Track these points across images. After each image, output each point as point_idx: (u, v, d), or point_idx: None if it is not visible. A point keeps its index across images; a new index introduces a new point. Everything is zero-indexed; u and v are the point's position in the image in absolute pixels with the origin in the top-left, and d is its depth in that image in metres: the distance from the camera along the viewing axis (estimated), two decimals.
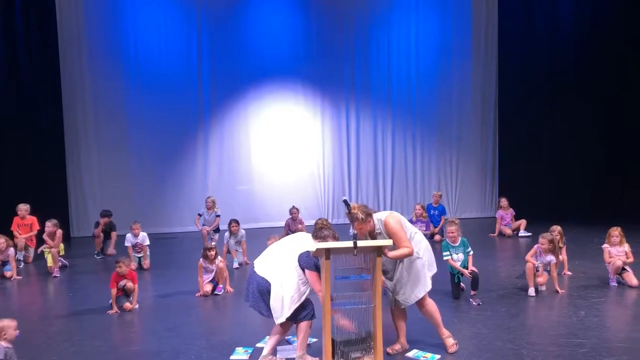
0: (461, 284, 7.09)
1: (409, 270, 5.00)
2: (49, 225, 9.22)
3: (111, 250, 10.12)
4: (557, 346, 5.27)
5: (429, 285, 5.08)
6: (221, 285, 7.54)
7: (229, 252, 9.15)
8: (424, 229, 10.82)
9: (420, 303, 5.10)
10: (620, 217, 9.71)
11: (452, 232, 7.06)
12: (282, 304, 4.79)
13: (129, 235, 9.20)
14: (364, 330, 4.77)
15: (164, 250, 10.60)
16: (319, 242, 4.78)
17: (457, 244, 7.04)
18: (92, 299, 7.34)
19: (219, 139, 13.18)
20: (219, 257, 7.66)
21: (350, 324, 4.79)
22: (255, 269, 4.99)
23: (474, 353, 5.17)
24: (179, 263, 9.48)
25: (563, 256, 7.96)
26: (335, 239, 4.94)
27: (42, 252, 9.36)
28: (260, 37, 13.11)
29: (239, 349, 5.37)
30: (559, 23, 13.78)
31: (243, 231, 9.29)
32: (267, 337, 5.19)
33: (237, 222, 9.25)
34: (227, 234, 9.23)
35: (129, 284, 6.90)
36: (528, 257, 7.22)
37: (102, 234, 10.22)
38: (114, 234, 10.25)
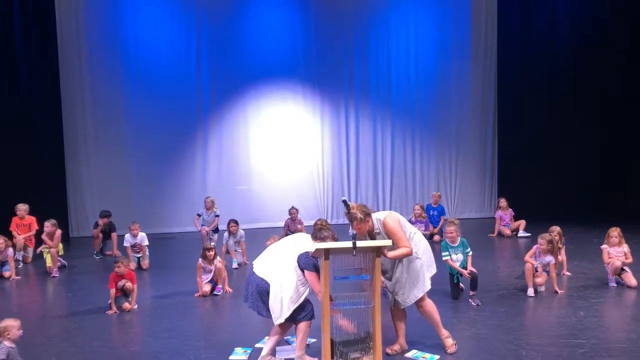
0: (460, 284, 7.10)
1: (408, 271, 5.00)
2: (48, 225, 9.20)
3: (115, 251, 9.97)
4: (556, 346, 5.28)
5: (427, 286, 5.08)
6: (220, 286, 7.53)
7: (228, 252, 9.15)
8: (423, 229, 10.82)
9: (419, 303, 5.10)
10: (620, 217, 9.70)
11: (451, 233, 7.06)
12: (281, 305, 4.78)
13: (127, 236, 9.19)
14: (363, 330, 4.77)
15: (163, 250, 10.60)
16: (318, 242, 4.77)
17: (456, 245, 7.05)
18: (91, 299, 7.33)
19: (218, 139, 13.18)
20: (218, 258, 7.66)
21: (349, 325, 4.79)
22: (254, 270, 4.99)
23: (473, 353, 5.17)
24: (178, 263, 9.47)
25: (562, 256, 7.97)
26: (335, 239, 4.94)
27: (41, 252, 9.34)
28: (260, 38, 13.10)
29: (238, 349, 5.37)
30: (558, 23, 13.81)
31: (242, 231, 9.28)
32: (266, 337, 5.19)
33: (236, 222, 9.24)
34: (226, 234, 9.22)
35: (128, 284, 6.89)
36: (527, 257, 7.22)
37: (101, 235, 10.20)
38: (114, 235, 10.18)
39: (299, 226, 10.64)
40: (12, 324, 4.75)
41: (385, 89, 13.78)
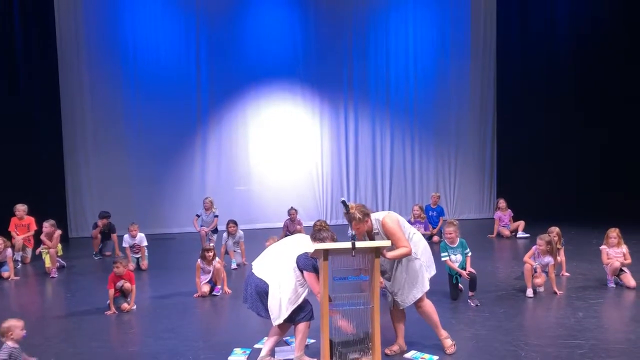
0: (459, 285, 7.09)
1: (407, 271, 4.99)
2: (47, 225, 9.20)
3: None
4: (555, 347, 5.28)
5: (426, 286, 5.07)
6: (219, 286, 7.53)
7: (227, 253, 9.14)
8: (422, 230, 10.81)
9: (418, 304, 5.10)
10: (619, 217, 9.71)
11: (451, 233, 7.06)
12: (280, 305, 4.78)
13: (126, 237, 9.19)
14: (362, 331, 4.76)
15: (162, 251, 10.60)
16: (318, 243, 4.77)
17: (455, 245, 7.04)
18: (90, 300, 7.33)
19: (217, 139, 13.17)
20: (217, 258, 7.65)
21: (348, 325, 4.79)
22: (253, 270, 4.99)
23: (472, 354, 5.17)
24: (177, 264, 9.46)
25: (561, 257, 7.98)
26: (334, 240, 4.95)
27: (40, 252, 9.33)
28: (259, 39, 13.10)
29: (237, 350, 5.36)
30: (557, 23, 13.83)
31: (241, 232, 9.27)
32: (265, 338, 5.19)
33: (235, 223, 9.24)
34: (225, 234, 9.22)
35: (127, 285, 6.89)
36: (526, 258, 7.22)
37: (99, 235, 10.19)
38: (114, 236, 10.16)
39: (298, 227, 10.64)
40: (16, 324, 4.75)
41: (384, 89, 13.78)
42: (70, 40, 12.22)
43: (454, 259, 6.97)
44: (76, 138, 12.37)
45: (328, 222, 10.80)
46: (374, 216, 4.96)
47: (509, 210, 11.39)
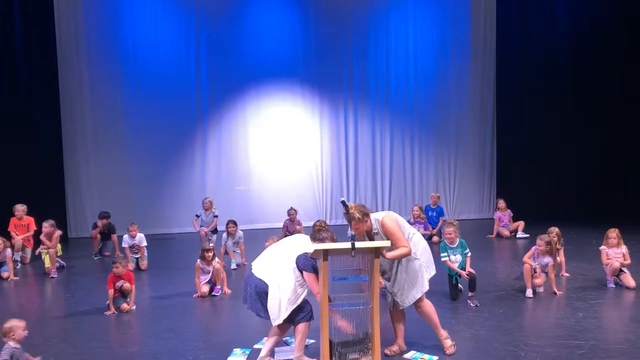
0: (459, 285, 7.09)
1: (407, 271, 4.99)
2: (46, 225, 9.19)
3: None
4: (554, 347, 5.28)
5: (426, 286, 5.07)
6: (219, 287, 7.53)
7: (226, 253, 9.14)
8: (422, 230, 10.82)
9: (417, 304, 5.10)
10: (619, 217, 9.72)
11: (450, 234, 7.06)
12: (280, 306, 4.78)
13: (126, 237, 9.18)
14: (361, 331, 4.76)
15: (161, 251, 10.60)
16: (317, 243, 4.77)
17: (455, 245, 7.04)
18: (89, 300, 7.32)
19: (217, 139, 13.17)
20: (217, 259, 7.65)
21: (348, 325, 4.78)
22: (252, 271, 4.99)
23: (471, 354, 5.17)
24: (177, 264, 9.46)
25: (561, 257, 7.97)
26: (333, 240, 4.94)
27: (40, 253, 9.33)
28: (259, 38, 13.10)
29: (237, 350, 5.36)
30: (557, 21, 13.84)
31: (241, 232, 9.27)
32: (265, 338, 5.19)
33: (234, 223, 9.23)
34: (224, 235, 9.21)
35: (126, 285, 6.88)
36: (526, 258, 7.22)
37: (99, 236, 10.19)
38: (114, 237, 10.14)
39: (298, 227, 10.64)
40: (18, 325, 4.74)
41: (384, 89, 13.78)
42: (70, 39, 12.22)
43: (454, 259, 6.96)
44: (76, 137, 12.38)
45: (328, 222, 10.80)
46: (374, 216, 4.96)
47: (509, 210, 11.39)
